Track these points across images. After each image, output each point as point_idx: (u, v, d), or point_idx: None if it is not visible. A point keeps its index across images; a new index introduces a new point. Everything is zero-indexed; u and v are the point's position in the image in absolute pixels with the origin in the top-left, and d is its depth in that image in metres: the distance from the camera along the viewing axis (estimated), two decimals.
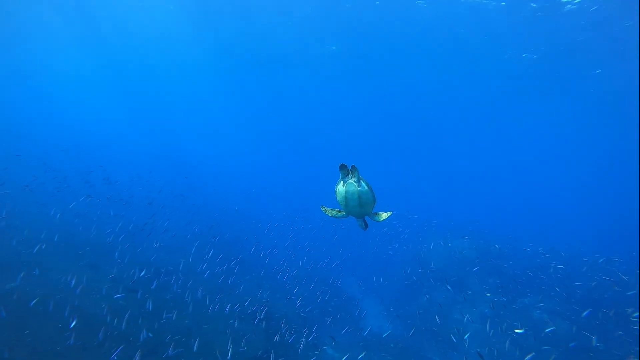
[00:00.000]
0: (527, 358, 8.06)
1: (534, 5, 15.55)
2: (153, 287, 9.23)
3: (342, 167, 3.88)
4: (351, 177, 3.87)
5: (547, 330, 11.55)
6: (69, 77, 44.22)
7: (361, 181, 3.88)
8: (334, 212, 4.46)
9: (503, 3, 16.09)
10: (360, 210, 4.09)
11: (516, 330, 11.99)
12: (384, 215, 4.31)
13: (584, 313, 11.57)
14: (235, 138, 63.05)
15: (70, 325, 6.28)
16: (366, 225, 4.50)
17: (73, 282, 7.78)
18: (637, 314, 11.52)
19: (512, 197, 46.93)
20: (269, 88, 39.13)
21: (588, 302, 12.09)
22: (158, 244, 12.49)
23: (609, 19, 15.42)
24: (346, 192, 3.93)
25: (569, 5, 15.01)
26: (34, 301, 6.83)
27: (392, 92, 34.60)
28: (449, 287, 13.82)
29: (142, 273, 9.51)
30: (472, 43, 21.03)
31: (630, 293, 10.02)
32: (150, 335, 7.32)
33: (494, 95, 29.51)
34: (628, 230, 26.82)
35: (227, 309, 9.58)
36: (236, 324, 9.36)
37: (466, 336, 12.09)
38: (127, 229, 13.23)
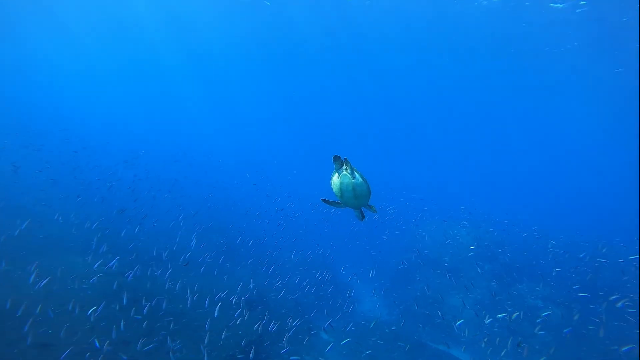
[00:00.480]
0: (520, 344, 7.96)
1: None
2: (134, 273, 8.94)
3: (336, 158, 3.85)
4: (345, 169, 3.84)
5: (542, 315, 11.53)
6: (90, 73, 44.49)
7: (355, 173, 3.85)
8: (335, 203, 4.44)
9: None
10: (355, 202, 4.08)
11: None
12: (375, 209, 4.37)
13: (580, 299, 11.58)
14: (230, 130, 62.15)
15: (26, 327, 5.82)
16: (363, 216, 4.49)
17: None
18: (628, 301, 11.51)
19: (509, 183, 46.81)
20: (265, 81, 39.09)
21: (584, 289, 12.02)
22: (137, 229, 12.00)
23: None
24: (341, 183, 3.90)
25: None
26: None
27: (392, 84, 34.50)
28: (444, 274, 13.74)
29: (115, 260, 9.23)
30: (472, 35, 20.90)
31: (625, 278, 9.92)
32: (125, 326, 7.08)
33: (489, 86, 29.34)
34: (626, 215, 27.00)
35: (217, 295, 9.39)
36: (226, 310, 9.16)
37: (460, 322, 12.05)
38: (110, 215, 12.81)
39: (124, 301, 7.09)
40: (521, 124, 40.17)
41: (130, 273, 8.13)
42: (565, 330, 11.00)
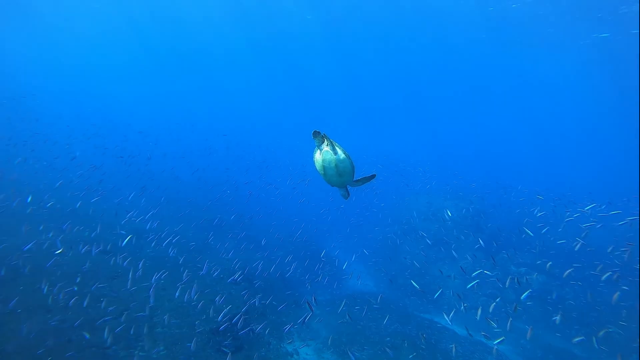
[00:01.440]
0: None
1: None
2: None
3: (315, 134, 3.66)
4: (326, 144, 3.68)
5: (526, 282, 11.79)
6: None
7: (337, 148, 3.68)
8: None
9: None
10: (339, 179, 3.89)
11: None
12: (366, 179, 4.02)
13: (562, 268, 11.84)
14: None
15: None
16: (348, 194, 4.31)
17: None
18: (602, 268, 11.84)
19: (496, 150, 46.81)
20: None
21: (568, 257, 12.32)
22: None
23: None
24: (323, 160, 3.74)
25: None
26: None
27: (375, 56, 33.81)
28: (430, 245, 13.86)
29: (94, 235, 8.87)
30: None
31: (609, 249, 10.14)
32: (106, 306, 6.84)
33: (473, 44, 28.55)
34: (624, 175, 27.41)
35: (204, 269, 9.19)
36: (214, 285, 9.01)
37: (439, 292, 12.24)
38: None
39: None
40: (505, 83, 39.39)
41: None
42: (548, 297, 11.33)
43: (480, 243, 13.66)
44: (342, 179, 3.89)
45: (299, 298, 10.80)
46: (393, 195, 18.33)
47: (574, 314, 10.74)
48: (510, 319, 7.68)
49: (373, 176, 3.98)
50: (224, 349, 7.12)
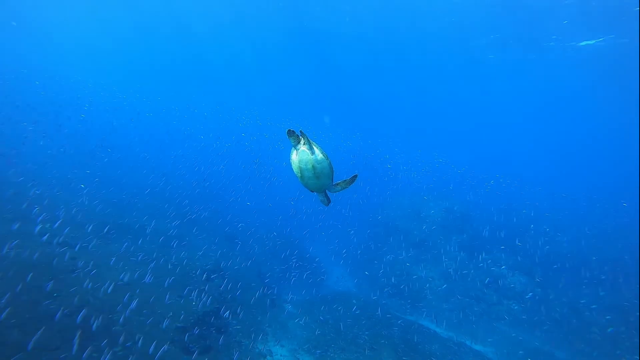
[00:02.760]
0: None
1: None
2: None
3: (290, 133, 3.36)
4: (302, 144, 3.38)
5: (508, 283, 11.66)
6: None
7: (314, 148, 3.39)
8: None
9: None
10: (317, 182, 3.57)
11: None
12: (346, 183, 3.63)
13: (545, 269, 11.81)
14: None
15: None
16: (328, 200, 3.95)
17: None
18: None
19: (480, 153, 46.99)
20: None
21: (547, 257, 12.28)
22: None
23: None
24: (299, 161, 3.42)
25: None
26: None
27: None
28: (412, 246, 13.61)
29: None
30: None
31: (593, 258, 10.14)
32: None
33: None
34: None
35: (174, 264, 8.59)
36: (184, 281, 8.41)
37: (428, 293, 11.98)
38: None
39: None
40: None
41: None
42: (527, 296, 11.21)
43: (462, 244, 13.55)
44: (320, 181, 3.55)
45: (275, 297, 10.28)
46: (376, 196, 18.06)
47: (556, 316, 10.61)
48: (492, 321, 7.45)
49: (354, 178, 3.61)
50: (192, 348, 6.56)
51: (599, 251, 13.10)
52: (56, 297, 6.01)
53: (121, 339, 5.77)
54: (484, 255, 12.86)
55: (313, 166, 3.39)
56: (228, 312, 8.11)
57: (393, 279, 12.71)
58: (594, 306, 10.45)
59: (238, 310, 8.42)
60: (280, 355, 7.45)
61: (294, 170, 3.57)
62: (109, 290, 6.40)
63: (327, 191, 3.85)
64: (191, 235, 11.56)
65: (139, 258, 8.29)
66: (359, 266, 14.64)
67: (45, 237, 7.37)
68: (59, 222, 8.03)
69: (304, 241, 15.12)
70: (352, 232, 16.51)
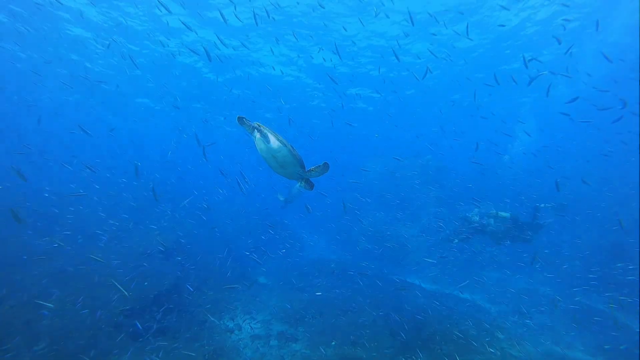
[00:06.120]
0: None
1: None
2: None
3: (240, 120, 3.10)
4: (257, 134, 3.14)
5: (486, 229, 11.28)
6: None
7: (270, 136, 3.08)
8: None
9: None
10: (284, 170, 3.34)
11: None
12: (320, 168, 3.24)
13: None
14: None
15: None
16: (310, 185, 3.53)
17: None
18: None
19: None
20: None
21: (535, 201, 11.96)
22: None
23: None
24: (260, 151, 3.21)
25: None
26: None
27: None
28: (389, 207, 13.04)
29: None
30: None
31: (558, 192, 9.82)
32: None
33: None
34: None
35: (125, 239, 7.57)
36: (136, 259, 7.43)
37: (411, 250, 11.51)
38: None
39: None
40: None
41: None
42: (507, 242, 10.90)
43: (441, 197, 13.08)
44: (287, 170, 3.31)
45: (246, 270, 9.47)
46: (349, 160, 17.34)
47: (540, 256, 10.38)
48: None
49: (326, 165, 3.22)
50: (140, 332, 5.67)
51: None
52: None
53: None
54: (461, 207, 12.42)
55: (273, 155, 3.14)
56: (190, 289, 7.25)
57: (369, 241, 12.16)
58: (577, 242, 10.28)
59: (202, 287, 7.56)
60: (251, 328, 6.68)
61: (262, 157, 3.30)
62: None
63: (307, 177, 3.46)
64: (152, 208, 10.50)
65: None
66: (335, 234, 14.00)
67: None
68: None
69: (278, 212, 14.30)
70: (328, 201, 15.82)
